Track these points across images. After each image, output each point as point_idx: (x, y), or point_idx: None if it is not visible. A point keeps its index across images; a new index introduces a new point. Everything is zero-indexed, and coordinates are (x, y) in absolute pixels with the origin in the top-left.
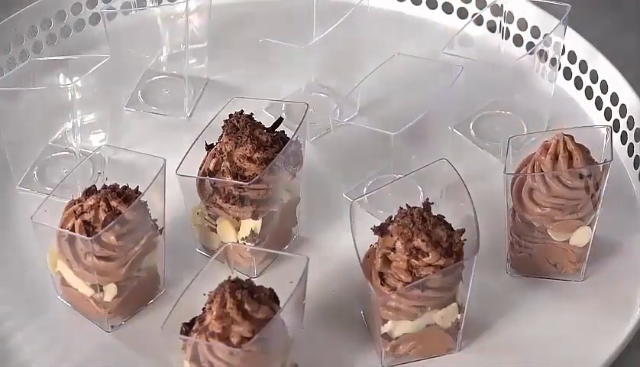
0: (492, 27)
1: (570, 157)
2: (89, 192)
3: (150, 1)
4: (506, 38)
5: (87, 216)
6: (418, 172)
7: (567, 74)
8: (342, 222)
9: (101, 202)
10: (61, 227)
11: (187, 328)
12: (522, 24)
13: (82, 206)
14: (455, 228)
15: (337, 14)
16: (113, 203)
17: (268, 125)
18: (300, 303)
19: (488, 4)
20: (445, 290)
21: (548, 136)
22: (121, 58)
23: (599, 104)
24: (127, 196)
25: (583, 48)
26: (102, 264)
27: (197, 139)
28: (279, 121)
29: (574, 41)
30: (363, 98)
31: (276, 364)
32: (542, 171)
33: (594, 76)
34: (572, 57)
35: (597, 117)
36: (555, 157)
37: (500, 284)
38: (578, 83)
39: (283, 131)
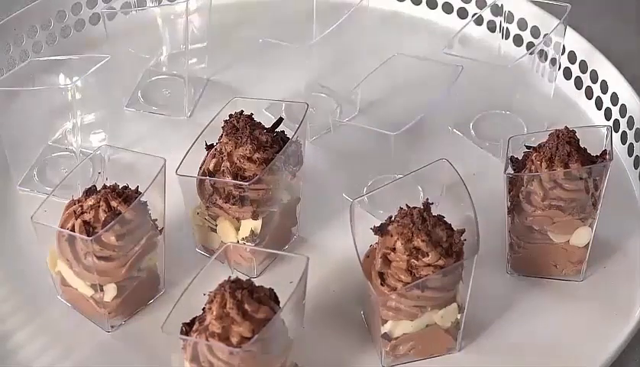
0: (492, 27)
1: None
2: (89, 192)
3: (150, 1)
4: (506, 38)
5: (87, 216)
6: (418, 172)
7: (567, 74)
8: (342, 222)
9: (101, 203)
10: (61, 227)
11: (187, 328)
12: (522, 24)
13: (82, 206)
14: (455, 229)
15: (337, 14)
16: (113, 203)
17: (268, 125)
18: (300, 303)
19: (488, 4)
20: (445, 290)
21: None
22: (121, 58)
23: (599, 104)
24: (127, 196)
25: (583, 48)
26: (102, 264)
27: (197, 139)
28: (279, 121)
29: (574, 41)
30: (363, 98)
31: (276, 364)
32: (538, 173)
33: (594, 76)
34: (572, 57)
35: (597, 117)
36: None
37: (500, 284)
38: (578, 83)
39: (283, 131)
